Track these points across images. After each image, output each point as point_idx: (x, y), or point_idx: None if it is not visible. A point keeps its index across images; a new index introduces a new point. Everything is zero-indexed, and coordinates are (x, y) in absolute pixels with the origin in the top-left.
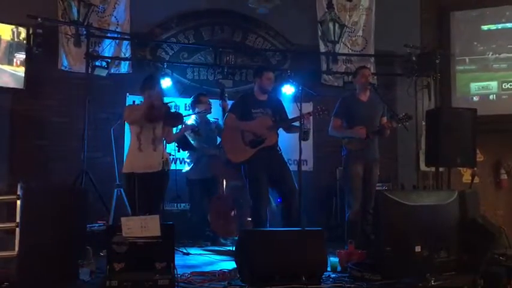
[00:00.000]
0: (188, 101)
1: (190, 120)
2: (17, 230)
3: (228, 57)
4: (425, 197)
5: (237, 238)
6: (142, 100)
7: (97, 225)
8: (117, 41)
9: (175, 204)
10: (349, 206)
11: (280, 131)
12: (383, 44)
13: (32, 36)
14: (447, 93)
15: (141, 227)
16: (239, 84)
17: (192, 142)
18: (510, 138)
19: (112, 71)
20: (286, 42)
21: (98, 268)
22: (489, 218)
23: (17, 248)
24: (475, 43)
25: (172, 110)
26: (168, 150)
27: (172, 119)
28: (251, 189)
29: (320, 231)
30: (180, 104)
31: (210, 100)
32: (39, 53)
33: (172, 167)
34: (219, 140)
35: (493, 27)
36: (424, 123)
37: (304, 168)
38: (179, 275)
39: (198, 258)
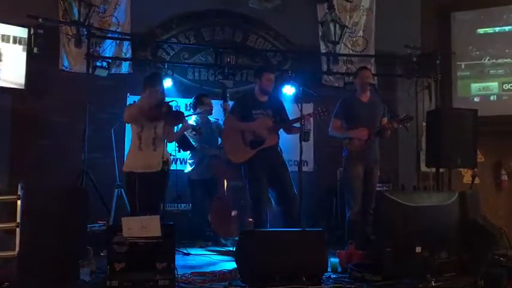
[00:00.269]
0: (189, 101)
1: (191, 120)
2: (17, 230)
3: (228, 58)
4: (426, 197)
5: (237, 238)
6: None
7: (97, 225)
8: (117, 41)
9: (175, 205)
10: (350, 207)
11: (281, 131)
12: (383, 45)
13: (32, 36)
14: (448, 94)
15: (142, 227)
16: (240, 85)
17: (193, 143)
18: (511, 139)
19: (113, 71)
20: (287, 43)
21: (99, 268)
22: (489, 219)
23: (17, 248)
24: (471, 47)
25: (173, 109)
26: (168, 151)
27: (173, 117)
28: (251, 190)
29: (320, 232)
30: (181, 104)
31: (212, 100)
32: (40, 53)
33: (173, 167)
34: (220, 140)
35: (489, 30)
36: (424, 123)
37: (304, 169)
38: (179, 275)
39: (198, 259)
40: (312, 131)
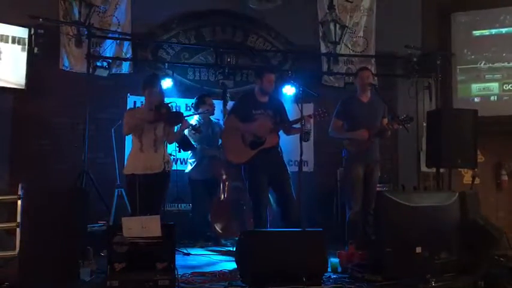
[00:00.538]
0: (189, 101)
1: (193, 120)
2: (18, 230)
3: (229, 58)
4: (426, 198)
5: (237, 238)
6: (143, 101)
7: (98, 225)
8: (118, 41)
9: (176, 205)
10: (350, 207)
11: (280, 132)
12: (384, 45)
13: (33, 36)
14: (448, 94)
15: (142, 227)
16: (240, 85)
17: (194, 143)
18: (511, 139)
19: (113, 71)
20: (287, 43)
21: (99, 268)
22: (490, 219)
23: (17, 248)
24: (465, 50)
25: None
26: (168, 151)
27: (173, 118)
28: (251, 190)
29: (320, 232)
30: (181, 104)
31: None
32: (41, 53)
33: (173, 167)
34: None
35: (485, 32)
36: (425, 124)
37: (304, 169)
38: (180, 275)
39: (198, 259)
40: (312, 131)
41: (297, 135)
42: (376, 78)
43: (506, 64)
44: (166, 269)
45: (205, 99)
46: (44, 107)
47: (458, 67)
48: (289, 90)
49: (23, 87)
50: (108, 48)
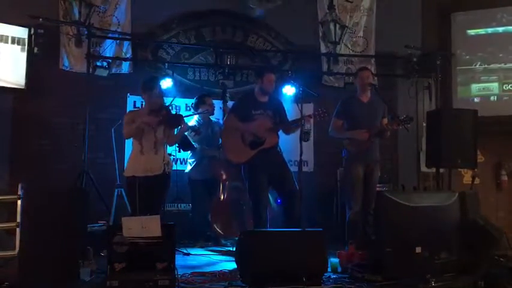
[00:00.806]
0: (189, 101)
1: (193, 120)
2: (18, 230)
3: (229, 58)
4: (426, 198)
5: (237, 239)
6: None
7: (98, 225)
8: (118, 41)
9: (176, 205)
10: (350, 207)
11: (280, 132)
12: (384, 45)
13: (33, 36)
14: (448, 94)
15: (142, 227)
16: (240, 85)
17: (194, 143)
18: (511, 139)
19: (113, 71)
20: (287, 43)
21: (99, 268)
22: (490, 219)
23: (17, 248)
24: (459, 51)
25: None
26: (168, 151)
27: (173, 121)
28: (251, 190)
29: (320, 232)
30: (181, 104)
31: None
32: (41, 53)
33: (173, 167)
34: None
35: (481, 31)
36: (424, 124)
37: (304, 169)
38: (180, 275)
39: (198, 259)
40: (312, 131)
41: (297, 136)
42: (376, 78)
43: (503, 65)
44: (166, 269)
45: (205, 99)
46: (44, 107)
47: (458, 68)
48: (289, 90)
49: (23, 87)
50: (108, 48)
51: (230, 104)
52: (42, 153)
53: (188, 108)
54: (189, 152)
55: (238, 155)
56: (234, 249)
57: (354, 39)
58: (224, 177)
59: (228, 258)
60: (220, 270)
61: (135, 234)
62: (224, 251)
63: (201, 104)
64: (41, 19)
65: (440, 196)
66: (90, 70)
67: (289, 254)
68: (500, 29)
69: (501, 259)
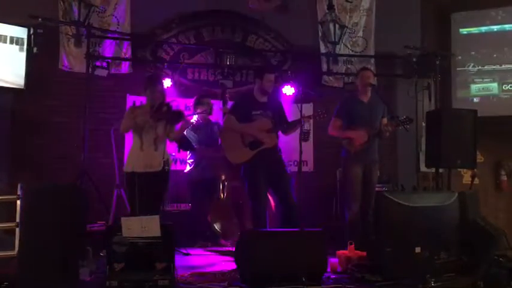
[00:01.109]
0: (189, 101)
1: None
2: (17, 230)
3: (228, 58)
4: (426, 198)
5: (237, 239)
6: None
7: (97, 225)
8: (117, 41)
9: (175, 205)
10: (349, 207)
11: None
12: (383, 45)
13: (32, 36)
14: (447, 94)
15: (141, 227)
16: (240, 85)
17: (193, 143)
18: (510, 140)
19: (112, 71)
20: (287, 43)
21: (98, 268)
22: (489, 219)
23: (17, 248)
24: (459, 51)
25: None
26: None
27: (174, 116)
28: (250, 191)
29: (320, 232)
30: (181, 104)
31: (212, 101)
32: (40, 53)
33: (173, 167)
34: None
35: (474, 30)
36: (424, 124)
37: (304, 169)
38: (179, 276)
39: (198, 259)
40: (311, 131)
41: (297, 136)
42: (375, 78)
43: (497, 67)
44: (165, 269)
45: (202, 99)
46: (43, 107)
47: (457, 68)
48: (288, 90)
49: (22, 87)
50: (108, 48)
51: (230, 104)
52: (41, 153)
53: (188, 108)
54: (188, 152)
55: (237, 156)
56: (234, 249)
57: (354, 39)
58: (223, 177)
59: (227, 258)
60: (220, 271)
61: (134, 234)
62: (224, 251)
63: (199, 105)
64: (40, 19)
65: (440, 196)
66: (90, 70)
67: (289, 254)
68: (495, 28)
69: (501, 259)
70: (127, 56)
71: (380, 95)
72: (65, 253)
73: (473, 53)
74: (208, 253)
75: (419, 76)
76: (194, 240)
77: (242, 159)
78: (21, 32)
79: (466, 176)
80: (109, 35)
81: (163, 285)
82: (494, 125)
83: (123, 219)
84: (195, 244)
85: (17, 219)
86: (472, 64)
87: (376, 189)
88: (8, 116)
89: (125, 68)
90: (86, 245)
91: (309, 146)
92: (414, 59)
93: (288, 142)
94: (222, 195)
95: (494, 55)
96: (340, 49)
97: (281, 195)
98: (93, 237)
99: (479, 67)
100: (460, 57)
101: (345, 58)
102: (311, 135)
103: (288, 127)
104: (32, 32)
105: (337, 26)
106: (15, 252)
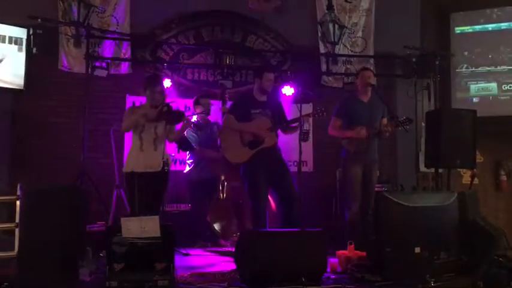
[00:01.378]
0: (188, 102)
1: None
2: (17, 230)
3: (228, 58)
4: (425, 198)
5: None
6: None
7: (97, 225)
8: (117, 41)
9: (175, 205)
10: (349, 208)
11: (279, 131)
12: (383, 45)
13: (32, 36)
14: (447, 94)
15: (141, 227)
16: (239, 85)
17: (193, 144)
18: (510, 140)
19: (112, 71)
20: (286, 43)
21: (98, 268)
22: (489, 219)
23: (16, 248)
24: (458, 51)
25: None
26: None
27: (174, 116)
28: (250, 190)
29: (320, 232)
30: (180, 105)
31: (211, 101)
32: (39, 53)
33: (172, 167)
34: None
35: (468, 29)
36: (423, 124)
37: (304, 169)
38: (179, 276)
39: (197, 259)
40: (311, 131)
41: (296, 136)
42: (375, 78)
43: (492, 68)
44: (165, 269)
45: (201, 100)
46: (43, 107)
47: (456, 70)
48: (288, 90)
49: (22, 88)
50: (107, 49)
51: (229, 104)
52: (41, 154)
53: (187, 108)
54: (187, 152)
55: (237, 155)
56: (234, 249)
57: (353, 39)
58: (223, 177)
59: (227, 258)
60: (220, 271)
61: (134, 235)
62: (223, 251)
63: (198, 105)
64: (39, 19)
65: (440, 196)
66: (89, 70)
67: (289, 254)
68: (490, 26)
69: (500, 259)
70: (126, 56)
71: (380, 95)
72: (64, 253)
73: (466, 53)
74: (208, 253)
75: (418, 76)
76: (194, 240)
77: (242, 159)
78: (20, 33)
79: (466, 176)
80: (108, 36)
81: (163, 285)
82: (494, 125)
83: (122, 219)
84: (194, 244)
85: (17, 220)
86: (466, 65)
87: (376, 189)
88: (8, 116)
89: (125, 68)
90: (86, 245)
91: (308, 146)
92: (414, 59)
93: (287, 142)
94: (221, 195)
95: (489, 55)
96: (340, 49)
97: (282, 193)
98: (93, 238)
99: (474, 68)
100: (453, 58)
101: (344, 58)
102: (311, 135)
103: (287, 126)
104: (31, 32)
105: (336, 26)
106: (15, 252)
